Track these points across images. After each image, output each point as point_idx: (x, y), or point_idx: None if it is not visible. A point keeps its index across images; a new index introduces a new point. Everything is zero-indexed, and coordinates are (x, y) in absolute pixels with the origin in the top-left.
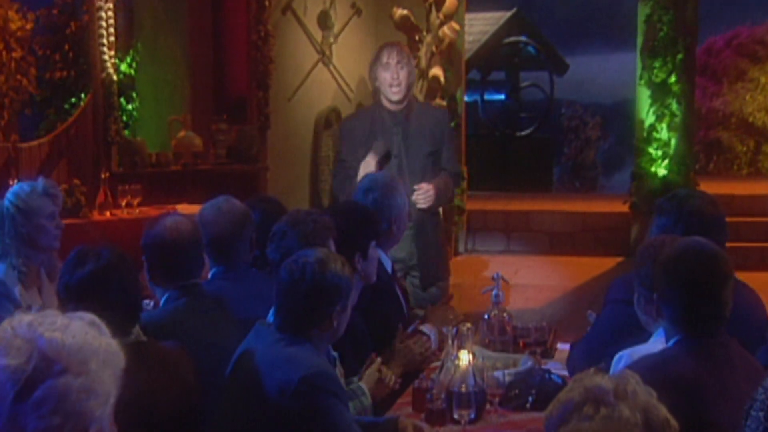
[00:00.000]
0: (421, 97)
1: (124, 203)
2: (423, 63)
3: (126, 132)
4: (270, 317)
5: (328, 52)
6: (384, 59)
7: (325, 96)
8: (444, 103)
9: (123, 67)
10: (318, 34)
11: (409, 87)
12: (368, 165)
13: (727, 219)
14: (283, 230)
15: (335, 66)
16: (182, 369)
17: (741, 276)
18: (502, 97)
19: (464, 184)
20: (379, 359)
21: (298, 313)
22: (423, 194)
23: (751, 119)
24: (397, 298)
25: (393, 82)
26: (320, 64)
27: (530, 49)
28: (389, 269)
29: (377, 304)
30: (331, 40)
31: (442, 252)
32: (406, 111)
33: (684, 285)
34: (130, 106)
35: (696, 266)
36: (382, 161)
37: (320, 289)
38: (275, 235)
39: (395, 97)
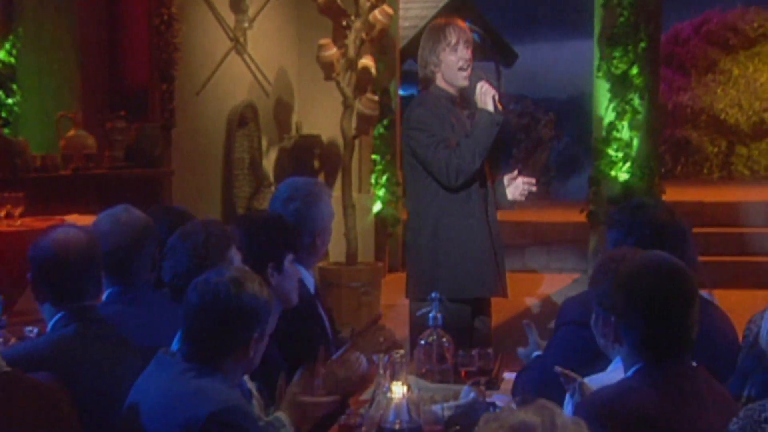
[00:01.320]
0: (349, 91)
1: (3, 214)
2: (351, 52)
3: (5, 130)
4: (175, 345)
5: (242, 39)
6: (452, 40)
7: (239, 89)
8: (375, 97)
9: (1, 54)
10: (231, 19)
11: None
12: (491, 90)
13: (696, 230)
14: (173, 246)
15: (251, 55)
16: (57, 404)
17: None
18: None
19: (399, 190)
20: (299, 374)
21: (210, 341)
22: (529, 183)
23: (722, 116)
24: (322, 321)
25: (463, 64)
26: (233, 53)
27: (474, 36)
28: (312, 288)
29: (299, 329)
30: (246, 25)
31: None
32: (468, 98)
33: (644, 305)
34: (10, 100)
35: (657, 284)
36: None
37: (235, 313)
38: (167, 252)
39: (465, 82)
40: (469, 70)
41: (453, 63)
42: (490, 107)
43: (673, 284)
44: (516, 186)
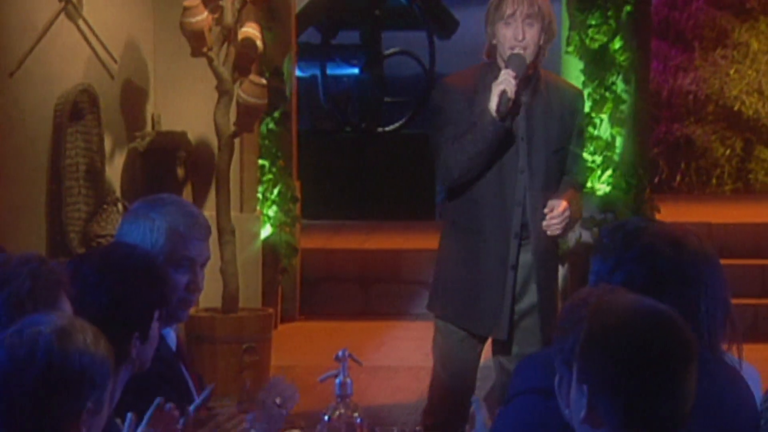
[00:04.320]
0: (226, 72)
1: None
2: (228, 18)
3: None
4: None
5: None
6: (506, 11)
7: (71, 69)
8: (262, 80)
9: None
10: None
11: (539, 51)
12: (507, 83)
13: None
14: None
15: (87, 21)
16: None
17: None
18: (355, 71)
19: (296, 208)
20: None
21: (24, 416)
22: (559, 217)
23: (737, 106)
24: (186, 388)
25: (516, 42)
26: (63, 17)
27: None
28: (173, 345)
29: (153, 401)
30: None
31: (557, 294)
32: (533, 85)
33: (625, 370)
34: None
35: (643, 342)
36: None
37: (61, 377)
38: None
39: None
40: (526, 51)
41: (505, 38)
42: (492, 104)
43: (666, 342)
44: (555, 219)
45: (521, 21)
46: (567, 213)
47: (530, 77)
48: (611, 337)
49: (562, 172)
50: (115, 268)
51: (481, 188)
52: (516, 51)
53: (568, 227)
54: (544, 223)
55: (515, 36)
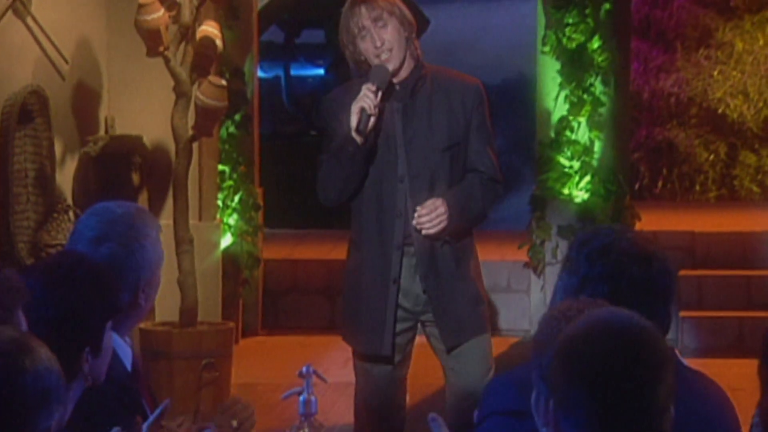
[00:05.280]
0: (183, 72)
1: None
2: (186, 15)
3: None
4: None
5: None
6: (354, 27)
7: (20, 69)
8: (222, 82)
9: None
10: None
11: (404, 45)
12: (365, 98)
13: (684, 273)
14: None
15: (36, 18)
16: None
17: (705, 366)
18: (320, 71)
19: (258, 217)
20: None
21: None
22: (428, 215)
23: (721, 109)
24: (142, 410)
25: (377, 50)
26: (11, 14)
27: None
28: (129, 363)
29: (105, 422)
30: None
31: (475, 293)
32: (413, 82)
33: (590, 382)
34: None
35: (609, 352)
36: (386, 93)
37: (33, 395)
38: None
39: (390, 66)
40: (391, 53)
41: (368, 51)
42: (353, 123)
43: (632, 352)
44: (425, 217)
45: (372, 28)
46: (442, 210)
47: (411, 73)
48: (571, 351)
49: (460, 170)
50: (63, 281)
51: (362, 199)
52: (381, 60)
53: (454, 222)
54: (414, 221)
55: (374, 44)
